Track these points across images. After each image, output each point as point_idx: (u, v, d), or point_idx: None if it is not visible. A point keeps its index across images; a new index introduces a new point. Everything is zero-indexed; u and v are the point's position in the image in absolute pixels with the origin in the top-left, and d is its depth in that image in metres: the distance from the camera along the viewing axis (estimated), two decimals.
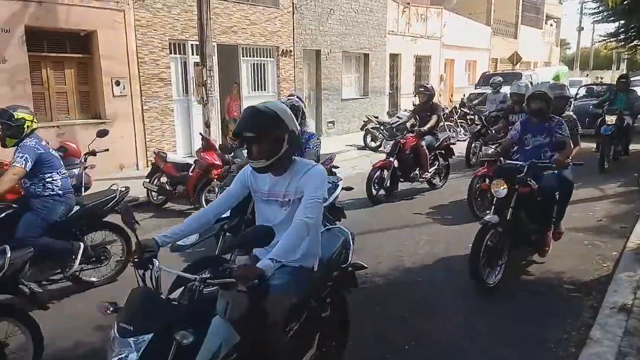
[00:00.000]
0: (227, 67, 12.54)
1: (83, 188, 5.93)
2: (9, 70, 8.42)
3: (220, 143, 7.90)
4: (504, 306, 4.25)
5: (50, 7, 8.84)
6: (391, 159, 7.72)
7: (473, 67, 25.26)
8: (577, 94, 15.53)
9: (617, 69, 40.42)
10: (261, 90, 13.47)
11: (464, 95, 17.43)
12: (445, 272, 5.00)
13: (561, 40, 41.33)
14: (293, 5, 13.81)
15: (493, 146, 6.44)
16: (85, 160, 6.24)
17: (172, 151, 10.33)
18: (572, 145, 4.97)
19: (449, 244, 5.76)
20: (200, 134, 8.67)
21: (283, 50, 13.68)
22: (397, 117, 13.87)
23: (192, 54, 11.19)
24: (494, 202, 4.66)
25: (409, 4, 19.78)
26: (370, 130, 13.38)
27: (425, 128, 7.96)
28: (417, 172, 8.06)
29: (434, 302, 4.35)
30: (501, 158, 5.02)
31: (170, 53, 11.00)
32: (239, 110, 11.97)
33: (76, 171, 5.86)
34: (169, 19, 10.77)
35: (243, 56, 12.82)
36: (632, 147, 11.55)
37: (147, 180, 7.78)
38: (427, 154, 8.06)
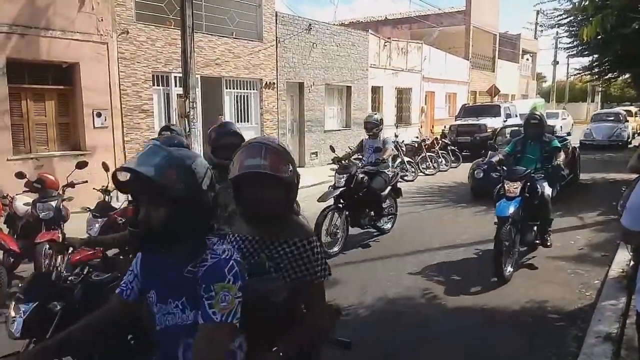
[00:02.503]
0: (211, 98, 12.59)
1: (62, 221, 5.78)
2: None
3: None
4: (490, 337, 4.20)
5: (33, 40, 8.83)
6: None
7: (453, 99, 25.77)
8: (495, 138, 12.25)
9: (592, 101, 41.59)
10: (244, 121, 13.51)
11: (445, 127, 17.70)
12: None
13: (537, 73, 42.49)
14: (276, 39, 14.01)
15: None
16: (64, 192, 6.11)
17: None
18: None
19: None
20: None
21: (266, 82, 13.81)
22: None
23: (176, 86, 11.22)
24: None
25: (389, 38, 20.25)
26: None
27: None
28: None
29: (417, 333, 4.29)
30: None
31: (153, 85, 11.01)
32: None
33: (54, 203, 5.72)
34: (153, 52, 10.82)
35: (226, 88, 12.90)
36: (608, 175, 11.84)
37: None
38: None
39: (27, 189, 6.09)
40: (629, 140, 20.12)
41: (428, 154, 14.24)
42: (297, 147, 15.55)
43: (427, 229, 7.90)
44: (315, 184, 12.41)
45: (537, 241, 6.05)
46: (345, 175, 6.69)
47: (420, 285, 5.33)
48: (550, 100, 36.50)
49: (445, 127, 17.87)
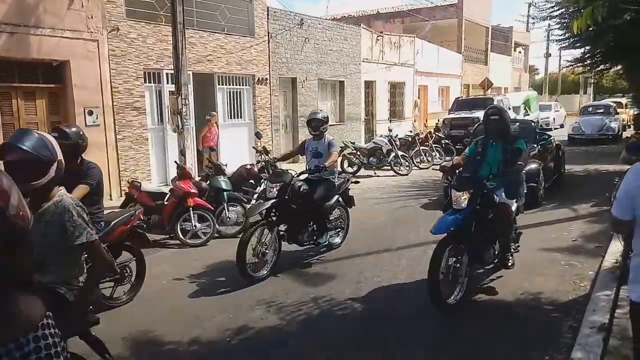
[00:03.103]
0: (203, 95, 12.53)
1: None
2: None
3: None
4: (486, 329, 4.22)
5: (22, 38, 8.74)
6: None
7: (446, 92, 25.80)
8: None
9: (585, 93, 41.76)
10: (237, 118, 13.47)
11: (438, 121, 17.72)
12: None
13: (530, 66, 42.60)
14: (268, 34, 13.96)
15: None
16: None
17: (147, 180, 10.19)
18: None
19: None
20: (176, 162, 8.56)
21: (259, 78, 13.76)
22: (374, 142, 14.06)
23: (168, 83, 11.15)
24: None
25: (382, 32, 20.22)
26: (347, 155, 13.46)
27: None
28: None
29: (415, 326, 4.30)
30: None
31: (145, 82, 10.94)
32: (216, 139, 11.90)
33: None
34: (144, 49, 10.75)
35: (219, 84, 12.84)
36: (601, 167, 11.83)
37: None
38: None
39: None
40: (620, 133, 19.49)
41: (422, 147, 14.26)
42: (290, 143, 15.51)
43: (421, 222, 7.91)
44: None
45: (496, 260, 5.07)
46: (278, 184, 5.66)
47: (416, 278, 5.34)
48: (542, 92, 36.64)
49: (438, 120, 17.88)
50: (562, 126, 26.20)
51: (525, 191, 5.30)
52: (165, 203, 7.18)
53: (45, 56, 9.16)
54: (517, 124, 9.97)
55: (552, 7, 13.92)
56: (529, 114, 22.79)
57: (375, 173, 13.37)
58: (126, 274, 4.99)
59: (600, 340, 3.63)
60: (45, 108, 9.49)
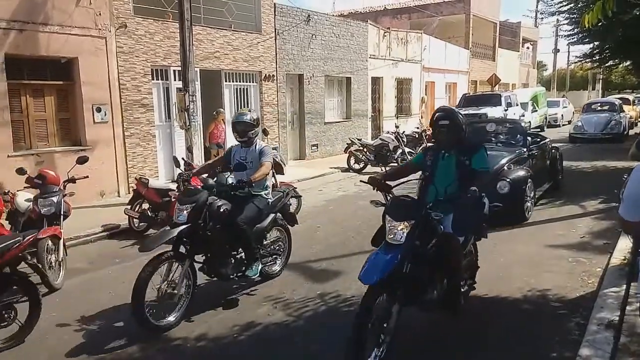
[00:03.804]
0: (210, 92, 12.55)
1: (62, 216, 5.80)
2: None
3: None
4: (493, 325, 4.21)
5: (31, 35, 8.80)
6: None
7: (453, 89, 25.67)
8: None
9: (593, 89, 41.45)
10: None
11: None
12: None
13: (538, 62, 42.32)
14: (275, 31, 13.95)
15: None
16: (65, 187, 6.12)
17: (154, 177, 10.23)
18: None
19: None
20: (183, 159, 8.59)
21: (266, 75, 13.76)
22: (380, 139, 14.03)
23: (175, 80, 11.18)
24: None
25: (389, 28, 20.14)
26: (354, 152, 13.45)
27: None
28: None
29: (424, 321, 4.30)
30: None
31: (153, 79, 10.98)
32: (223, 136, 11.94)
33: (55, 199, 5.73)
34: (152, 46, 10.78)
35: (226, 81, 12.85)
36: (609, 163, 11.64)
37: (129, 207, 7.66)
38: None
39: (28, 185, 6.11)
40: (626, 132, 17.95)
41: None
42: (297, 140, 15.53)
43: None
44: (316, 176, 12.43)
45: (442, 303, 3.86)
46: (189, 206, 4.47)
47: None
48: (551, 88, 36.42)
49: None
50: (570, 122, 26.02)
51: (486, 214, 4.14)
52: (172, 200, 7.21)
53: (54, 53, 9.20)
54: (506, 124, 9.44)
55: (561, 2, 13.85)
56: (537, 110, 22.68)
57: (382, 169, 13.34)
58: (6, 315, 4.03)
59: (608, 338, 3.61)
60: (54, 105, 9.55)
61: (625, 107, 19.91)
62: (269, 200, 5.17)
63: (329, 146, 16.45)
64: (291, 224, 5.63)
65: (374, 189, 4.10)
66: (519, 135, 8.62)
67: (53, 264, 5.38)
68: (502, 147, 8.39)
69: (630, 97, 24.67)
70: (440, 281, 3.76)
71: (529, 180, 7.53)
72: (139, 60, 10.57)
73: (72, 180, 6.17)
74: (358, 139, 14.02)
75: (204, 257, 4.77)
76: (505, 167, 7.54)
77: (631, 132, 19.31)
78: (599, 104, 19.71)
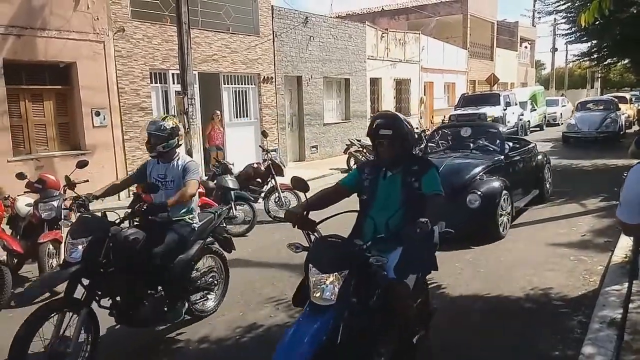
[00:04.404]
0: (209, 94, 12.56)
1: (62, 220, 5.79)
2: None
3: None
4: (495, 324, 4.21)
5: (29, 40, 8.80)
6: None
7: (452, 89, 25.70)
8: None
9: (592, 87, 41.48)
10: (243, 117, 13.49)
11: (444, 117, 17.67)
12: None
13: (536, 61, 42.35)
14: (273, 33, 13.96)
15: None
16: (65, 192, 6.11)
17: None
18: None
19: None
20: None
21: (264, 77, 13.77)
22: None
23: (174, 83, 11.19)
24: None
25: (387, 29, 20.17)
26: (353, 153, 13.45)
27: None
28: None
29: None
30: None
31: (151, 82, 10.99)
32: (220, 138, 11.94)
33: (55, 203, 5.72)
34: (150, 49, 10.79)
35: (224, 83, 12.86)
36: (609, 161, 11.59)
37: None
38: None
39: (28, 190, 6.09)
40: (622, 131, 17.05)
41: (429, 144, 14.19)
42: (296, 141, 15.55)
43: None
44: (315, 178, 12.42)
45: None
46: (84, 239, 3.56)
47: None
48: (549, 87, 36.46)
49: (445, 117, 17.84)
50: None
51: (436, 244, 3.29)
52: None
53: (52, 58, 9.22)
54: (483, 128, 8.62)
55: (558, 1, 13.87)
56: (535, 109, 22.69)
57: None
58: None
59: (611, 335, 3.61)
60: (53, 109, 9.56)
61: (622, 106, 19.32)
62: (194, 225, 4.24)
63: (329, 147, 16.46)
64: (227, 249, 4.72)
65: (294, 227, 3.05)
66: (497, 141, 7.68)
67: (54, 268, 5.38)
68: (477, 154, 7.53)
69: (627, 96, 24.21)
70: (387, 346, 2.90)
71: (505, 192, 6.64)
72: (138, 64, 10.58)
73: (72, 184, 6.16)
74: (357, 140, 14.02)
75: (110, 301, 3.82)
76: (478, 178, 6.69)
77: (628, 131, 18.79)
78: (594, 102, 19.05)
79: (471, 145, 7.87)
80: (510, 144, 8.21)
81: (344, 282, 2.59)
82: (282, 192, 8.27)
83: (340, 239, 2.81)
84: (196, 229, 4.27)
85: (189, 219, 4.23)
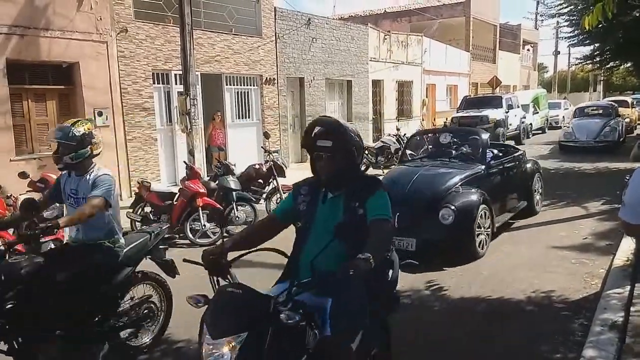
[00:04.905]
0: (211, 95, 12.57)
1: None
2: None
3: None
4: (496, 326, 4.20)
5: (32, 40, 8.83)
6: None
7: (454, 91, 25.70)
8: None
9: (594, 90, 41.46)
10: (245, 118, 13.50)
11: (447, 119, 17.67)
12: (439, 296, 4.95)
13: (539, 64, 42.34)
14: (276, 35, 13.98)
15: None
16: None
17: (156, 180, 10.24)
18: None
19: None
20: (185, 162, 8.61)
21: (267, 78, 13.78)
22: (382, 141, 14.03)
23: (176, 84, 11.21)
24: None
25: (389, 31, 20.18)
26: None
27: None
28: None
29: (427, 322, 4.29)
30: None
31: (154, 83, 11.00)
32: (222, 138, 11.96)
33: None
34: (152, 50, 10.81)
35: (227, 84, 12.88)
36: (611, 164, 11.57)
37: (131, 210, 7.67)
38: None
39: (30, 189, 6.12)
40: (622, 139, 15.90)
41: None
42: (298, 143, 15.50)
43: None
44: None
45: None
46: None
47: (426, 276, 5.33)
48: (552, 90, 36.44)
49: (447, 119, 17.85)
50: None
51: (394, 281, 2.69)
52: (175, 203, 7.23)
53: (55, 58, 9.24)
54: (463, 134, 7.94)
55: (561, 4, 13.87)
56: (538, 112, 22.68)
57: (383, 172, 13.33)
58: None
59: (612, 338, 3.60)
60: (56, 109, 9.58)
61: (624, 110, 18.75)
62: (118, 250, 3.59)
63: None
64: (170, 274, 4.07)
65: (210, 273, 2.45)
66: (480, 149, 6.93)
67: None
68: (455, 163, 6.84)
69: (629, 99, 23.48)
70: None
71: (483, 205, 6.00)
72: (140, 65, 10.60)
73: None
74: None
75: (6, 345, 3.21)
76: (453, 190, 6.03)
77: (629, 136, 17.94)
78: (591, 108, 18.01)
79: (453, 152, 7.20)
80: (495, 151, 7.68)
81: (242, 349, 1.95)
82: (284, 193, 8.28)
83: (246, 288, 2.20)
84: (121, 254, 3.61)
85: (108, 242, 3.55)
